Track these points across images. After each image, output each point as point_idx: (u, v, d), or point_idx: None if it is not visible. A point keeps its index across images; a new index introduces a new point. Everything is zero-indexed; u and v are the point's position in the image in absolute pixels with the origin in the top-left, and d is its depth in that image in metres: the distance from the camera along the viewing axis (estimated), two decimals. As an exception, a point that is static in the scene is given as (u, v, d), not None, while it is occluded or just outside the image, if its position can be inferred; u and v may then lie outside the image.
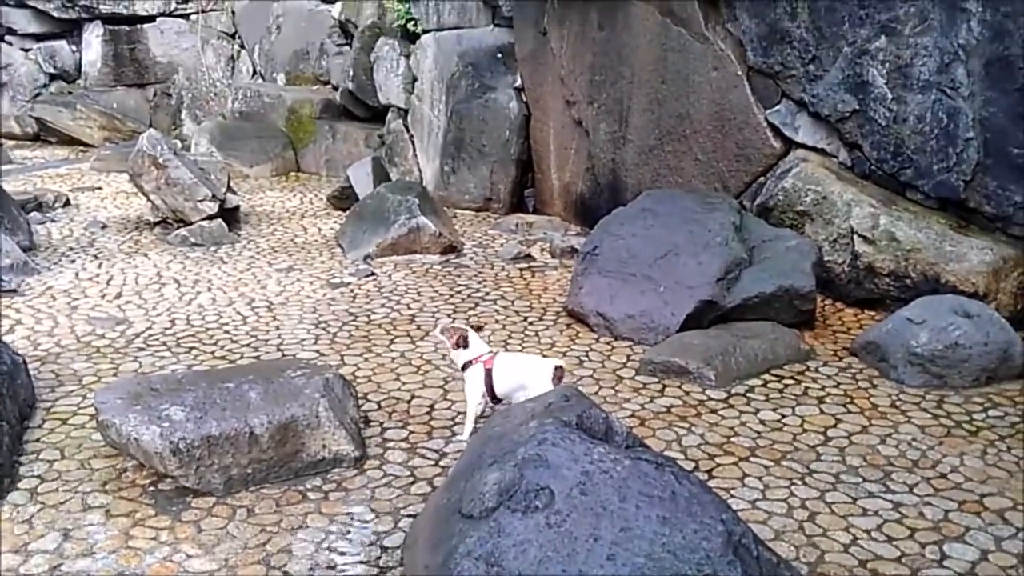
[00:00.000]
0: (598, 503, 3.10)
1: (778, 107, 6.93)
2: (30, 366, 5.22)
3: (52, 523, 3.93)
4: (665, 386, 5.27)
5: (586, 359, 5.69)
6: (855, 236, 6.41)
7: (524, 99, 9.14)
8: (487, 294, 6.89)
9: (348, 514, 4.03)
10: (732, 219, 6.32)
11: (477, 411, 4.52)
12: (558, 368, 4.39)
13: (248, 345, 5.88)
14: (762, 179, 7.03)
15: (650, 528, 3.04)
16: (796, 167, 6.78)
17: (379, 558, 3.72)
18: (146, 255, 7.85)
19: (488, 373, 4.44)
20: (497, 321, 6.31)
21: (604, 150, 8.15)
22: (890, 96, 6.34)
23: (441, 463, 4.35)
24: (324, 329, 6.15)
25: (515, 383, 4.42)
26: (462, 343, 4.52)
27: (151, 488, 4.22)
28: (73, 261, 7.64)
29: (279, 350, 5.80)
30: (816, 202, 6.62)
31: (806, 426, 4.84)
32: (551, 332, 6.12)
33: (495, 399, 4.48)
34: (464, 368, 4.50)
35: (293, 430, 4.30)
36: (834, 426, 4.81)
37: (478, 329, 4.78)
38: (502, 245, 8.11)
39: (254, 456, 4.23)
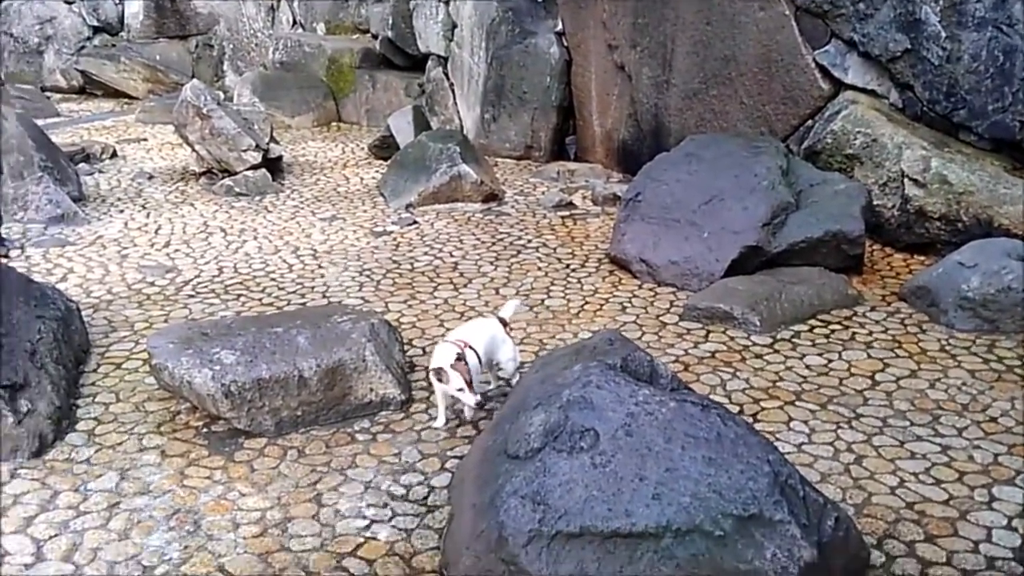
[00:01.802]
0: (643, 444, 3.12)
1: (827, 47, 6.79)
2: (83, 313, 5.34)
3: (109, 463, 4.04)
4: (709, 332, 5.27)
5: (629, 305, 5.70)
6: (905, 179, 6.31)
7: (565, 44, 9.03)
8: (529, 242, 6.89)
9: (396, 454, 4.10)
10: (779, 163, 6.25)
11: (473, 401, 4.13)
12: (500, 318, 4.34)
13: (294, 292, 5.96)
14: (810, 122, 6.93)
15: (696, 468, 3.05)
16: (845, 109, 6.66)
17: (426, 497, 3.80)
18: (192, 205, 7.94)
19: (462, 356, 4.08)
20: (539, 268, 6.32)
21: (647, 95, 8.04)
22: (943, 34, 6.17)
23: (486, 407, 4.39)
24: (368, 277, 6.20)
25: (484, 347, 4.21)
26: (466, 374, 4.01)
27: (204, 430, 4.32)
28: (122, 211, 7.76)
29: (324, 297, 5.86)
30: (865, 145, 6.52)
31: (853, 371, 4.81)
32: (593, 279, 6.13)
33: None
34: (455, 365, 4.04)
35: (341, 374, 4.36)
36: (881, 371, 4.77)
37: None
38: (543, 193, 8.10)
39: (303, 399, 4.30)
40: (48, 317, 4.69)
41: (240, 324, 4.70)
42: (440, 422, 4.23)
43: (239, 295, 5.93)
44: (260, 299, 5.86)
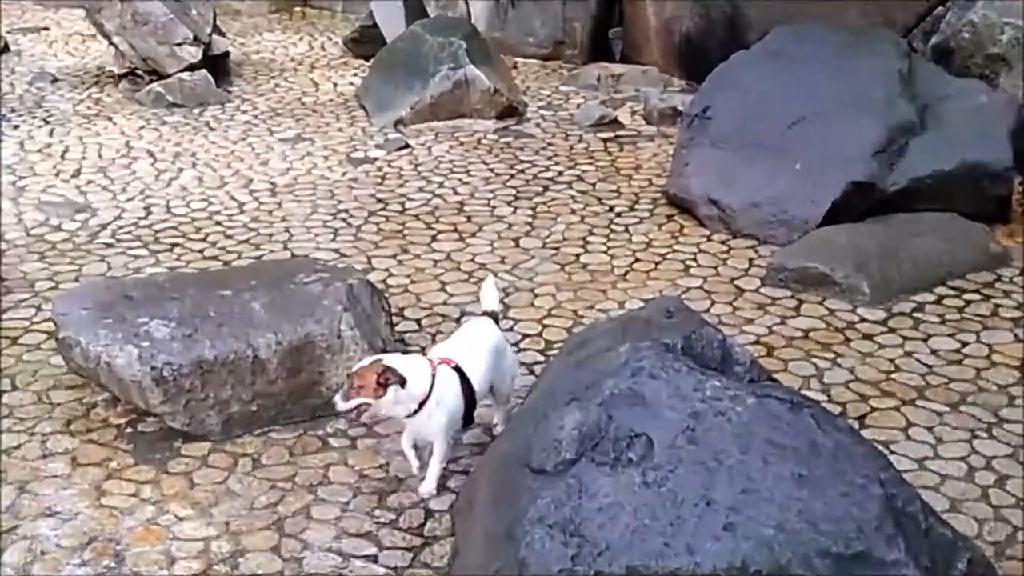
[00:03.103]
0: (712, 455, 3.11)
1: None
2: (-35, 269, 5.39)
3: (3, 475, 4.04)
4: (801, 302, 5.25)
5: (693, 264, 5.66)
6: (1071, 91, 6.29)
7: (609, -100, 9.00)
8: (559, 174, 6.81)
9: (382, 466, 4.10)
10: (897, 67, 6.18)
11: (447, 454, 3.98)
12: (491, 314, 4.15)
13: (247, 241, 5.94)
14: (940, 9, 6.88)
15: (782, 490, 3.03)
16: (989, -8, 6.62)
17: (423, 525, 3.79)
18: (110, 119, 7.89)
19: (461, 374, 3.89)
20: (573, 211, 6.28)
21: (721, -28, 8.02)
22: None
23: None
24: (345, 221, 6.16)
25: (487, 366, 4.01)
26: (388, 381, 3.68)
27: (128, 430, 4.32)
28: (16, 128, 7.71)
29: (287, 248, 5.84)
30: (1016, 42, 6.45)
31: (995, 358, 4.77)
32: (645, 227, 6.06)
33: (469, 418, 3.97)
34: (418, 410, 3.79)
35: (309, 354, 4.34)
36: (1034, 358, 4.76)
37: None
38: (579, 106, 8.00)
39: (260, 388, 4.29)
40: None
41: (175, 284, 4.68)
42: (414, 467, 3.96)
43: (173, 244, 5.91)
44: (201, 250, 5.84)
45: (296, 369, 4.33)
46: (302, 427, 4.33)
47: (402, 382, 3.71)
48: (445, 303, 5.28)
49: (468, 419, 3.98)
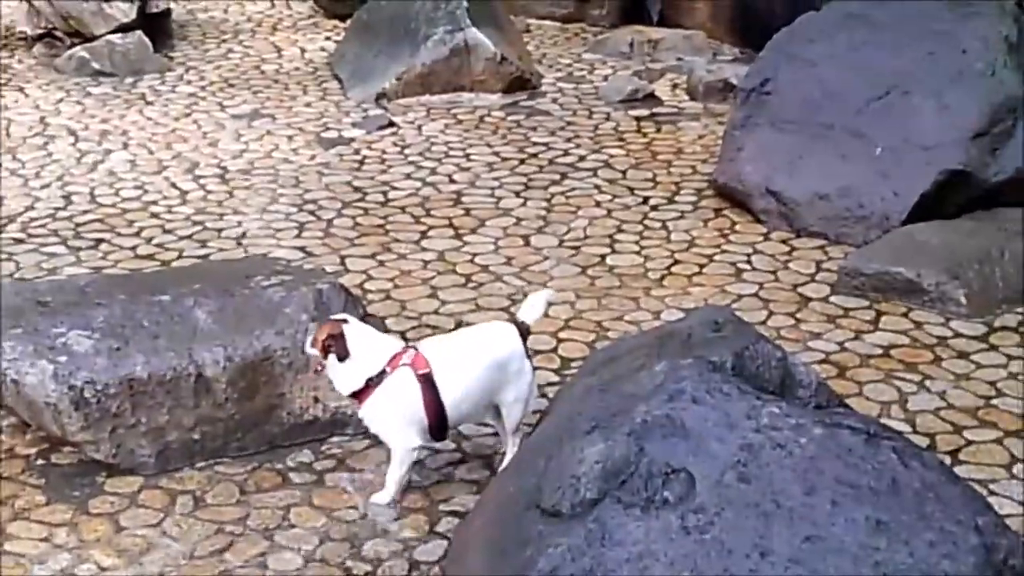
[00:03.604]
0: (768, 495, 3.13)
1: None
2: None
3: None
4: (881, 313, 5.28)
5: (747, 267, 5.70)
6: None
7: None
8: (581, 159, 6.82)
9: (354, 508, 4.11)
10: (1002, 31, 6.19)
11: (409, 464, 4.18)
12: (520, 326, 4.23)
13: (190, 236, 5.97)
14: (1056, -38, 6.86)
15: (855, 538, 3.05)
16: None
17: (406, 579, 3.82)
18: (21, 90, 7.95)
19: (429, 383, 4.05)
20: (598, 204, 6.29)
21: (783, -86, 8.02)
22: None
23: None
24: (313, 213, 6.20)
25: (485, 390, 4.14)
26: (330, 348, 4.05)
27: (40, 461, 4.34)
28: (-95, 99, 7.81)
29: (240, 245, 5.88)
30: None
31: (1121, 383, 4.78)
32: (687, 223, 6.10)
33: (441, 432, 4.15)
34: (362, 392, 4.08)
35: (266, 373, 4.38)
36: None
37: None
38: (606, 79, 8.04)
39: (204, 413, 4.32)
40: None
41: (100, 288, 4.70)
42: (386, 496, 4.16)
43: (98, 240, 5.96)
44: (134, 247, 5.88)
45: (250, 391, 4.37)
46: (256, 459, 4.34)
47: (340, 357, 4.03)
48: (437, 312, 5.30)
49: (439, 435, 4.13)
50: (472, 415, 4.22)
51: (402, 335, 5.07)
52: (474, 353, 4.12)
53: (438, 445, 4.30)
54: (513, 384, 4.15)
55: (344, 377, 4.07)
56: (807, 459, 3.19)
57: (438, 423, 4.06)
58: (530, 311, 4.31)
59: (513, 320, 4.30)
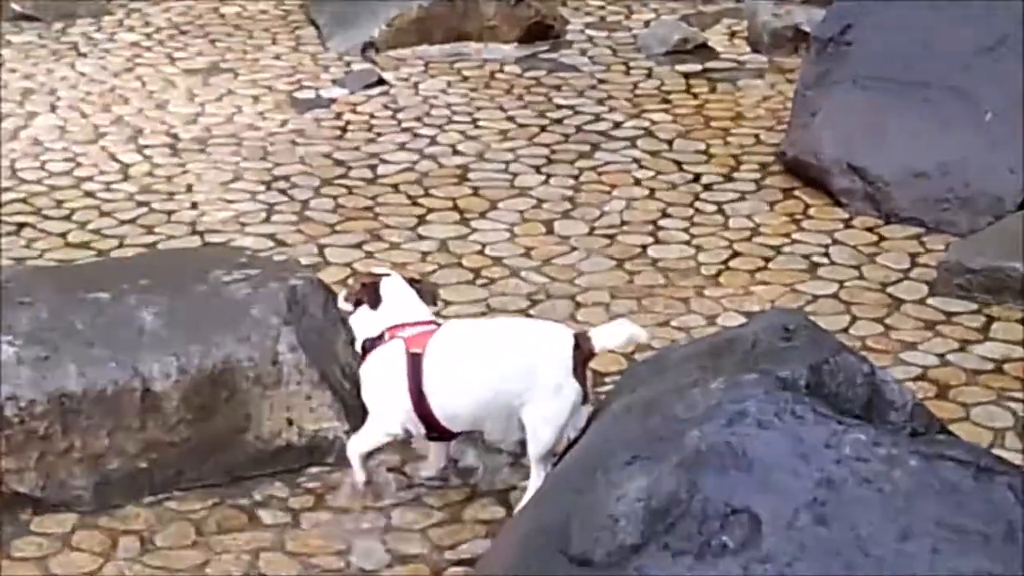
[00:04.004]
0: (852, 541, 3.11)
1: None
2: None
3: None
4: (992, 319, 5.26)
5: (824, 262, 5.71)
6: None
7: None
8: (616, 126, 6.85)
9: (340, 553, 4.10)
10: None
11: (376, 443, 4.43)
12: (581, 340, 4.25)
13: (134, 220, 5.99)
14: None
15: (963, 595, 3.03)
16: None
17: (403, 647, 3.79)
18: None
19: (415, 365, 4.25)
20: (637, 182, 6.29)
21: None
22: None
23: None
24: (285, 193, 6.23)
25: (488, 390, 4.23)
26: (365, 299, 4.43)
27: (-52, 495, 4.29)
28: None
29: (195, 232, 5.90)
30: None
31: None
32: (749, 206, 6.12)
33: (436, 431, 4.33)
34: (364, 353, 4.44)
35: (229, 387, 4.38)
36: None
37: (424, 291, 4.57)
38: (647, 24, 8.05)
39: (153, 437, 4.31)
40: None
41: (24, 284, 4.68)
42: (430, 470, 4.40)
43: (20, 225, 5.98)
44: (64, 234, 5.91)
45: (209, 409, 4.37)
46: (217, 494, 4.32)
47: (372, 305, 4.35)
48: (439, 315, 5.19)
49: (434, 432, 4.31)
50: (479, 421, 4.27)
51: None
52: (496, 347, 4.22)
53: (433, 472, 4.39)
54: (544, 400, 4.15)
55: (358, 330, 4.42)
56: (901, 497, 3.16)
57: (422, 413, 4.20)
58: (605, 336, 4.30)
59: (580, 333, 4.27)
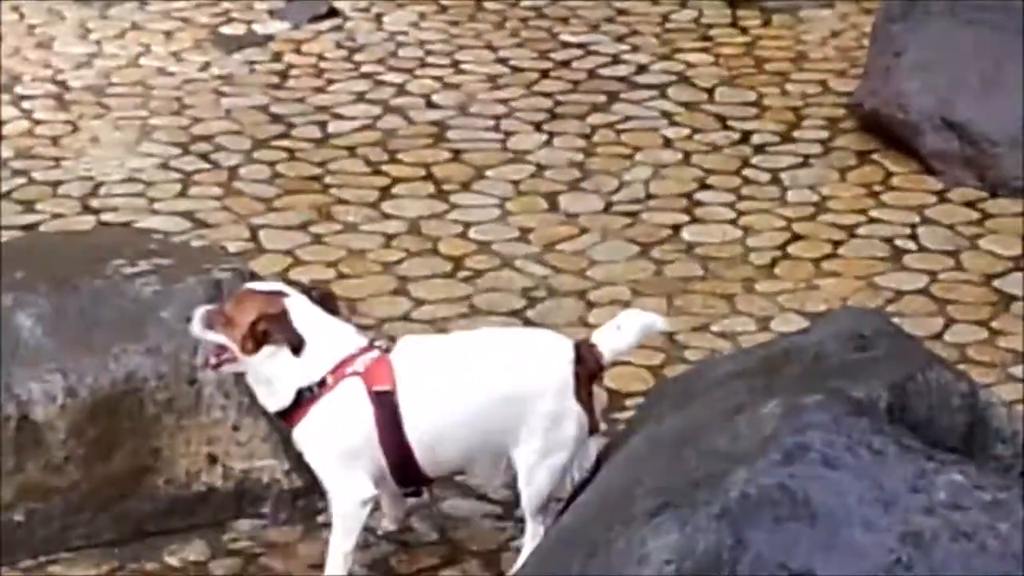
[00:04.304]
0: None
1: None
2: None
3: None
4: None
5: (911, 247, 5.74)
6: None
7: None
8: (641, 70, 6.93)
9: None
10: None
11: (359, 526, 4.30)
12: (584, 351, 4.29)
13: (8, 195, 6.02)
14: None
15: None
16: None
17: None
18: None
19: (386, 406, 4.19)
20: (667, 143, 6.37)
21: None
22: None
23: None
24: (206, 158, 6.29)
25: (480, 420, 4.23)
26: (270, 336, 4.17)
27: None
28: None
29: (88, 209, 5.94)
30: None
31: None
32: (814, 174, 6.18)
33: (409, 478, 4.30)
34: (294, 411, 4.22)
35: (131, 416, 4.39)
36: None
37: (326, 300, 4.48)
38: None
39: (33, 480, 4.31)
40: None
41: None
42: (391, 522, 4.36)
43: None
44: (-81, 210, 5.94)
45: (106, 444, 4.38)
46: (117, 556, 4.32)
47: (295, 348, 4.11)
48: (407, 318, 5.32)
49: (409, 483, 4.26)
50: (469, 462, 4.24)
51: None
52: (477, 369, 4.14)
53: (393, 524, 4.38)
54: (539, 434, 4.13)
55: (273, 379, 4.17)
56: (1010, 557, 3.16)
57: (400, 463, 4.09)
58: (612, 338, 4.30)
59: (578, 345, 4.24)
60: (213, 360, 4.23)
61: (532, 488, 4.17)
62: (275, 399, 4.18)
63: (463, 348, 4.33)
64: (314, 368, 4.14)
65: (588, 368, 4.16)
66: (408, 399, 4.09)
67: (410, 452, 4.09)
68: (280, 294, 4.23)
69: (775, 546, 3.23)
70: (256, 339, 4.09)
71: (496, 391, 4.11)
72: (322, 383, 4.13)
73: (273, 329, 4.10)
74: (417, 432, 4.08)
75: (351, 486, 4.17)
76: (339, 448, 4.14)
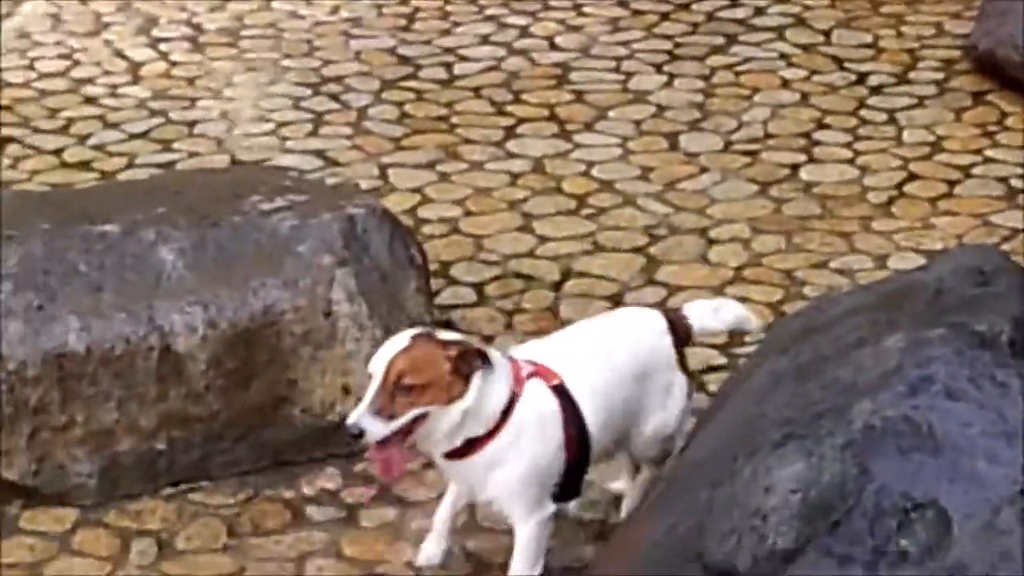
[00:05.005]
0: (1071, 550, 3.10)
1: None
2: None
3: None
4: None
5: None
6: None
7: None
8: (758, 12, 6.89)
9: (407, 564, 4.14)
10: None
11: (546, 542, 4.08)
12: (675, 321, 4.27)
13: (147, 135, 6.06)
14: None
15: None
16: None
17: None
18: None
19: (565, 399, 4.02)
20: (785, 84, 6.36)
21: None
22: None
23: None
24: (337, 98, 6.30)
25: (626, 401, 4.16)
26: (474, 366, 3.88)
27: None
28: None
29: (222, 148, 5.97)
30: None
31: None
32: (930, 114, 6.14)
33: (576, 485, 4.12)
34: (479, 443, 3.96)
35: (269, 348, 4.43)
36: None
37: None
38: None
39: (174, 408, 4.35)
40: None
41: (12, 213, 4.72)
42: (432, 554, 4.11)
43: (5, 140, 6.03)
44: (59, 150, 5.98)
45: (244, 375, 4.42)
46: (254, 484, 4.38)
47: (491, 364, 3.87)
48: (532, 255, 5.34)
49: (571, 489, 4.06)
50: (601, 449, 4.10)
51: (477, 289, 5.16)
52: (606, 357, 4.08)
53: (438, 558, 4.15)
54: (657, 408, 4.16)
55: (477, 413, 3.89)
56: None
57: (573, 469, 3.99)
58: (708, 315, 4.31)
59: (667, 312, 4.27)
60: (388, 450, 3.81)
61: (646, 446, 4.21)
62: (477, 424, 3.88)
63: (583, 338, 4.23)
64: (503, 383, 3.92)
65: (679, 337, 4.18)
66: (576, 390, 3.98)
67: (587, 448, 3.99)
68: (421, 336, 3.89)
69: (899, 476, 3.21)
70: (464, 379, 3.84)
71: (635, 369, 4.09)
72: (512, 398, 3.93)
73: (471, 359, 3.84)
74: (592, 419, 3.98)
75: (541, 507, 3.98)
76: (542, 454, 3.96)
